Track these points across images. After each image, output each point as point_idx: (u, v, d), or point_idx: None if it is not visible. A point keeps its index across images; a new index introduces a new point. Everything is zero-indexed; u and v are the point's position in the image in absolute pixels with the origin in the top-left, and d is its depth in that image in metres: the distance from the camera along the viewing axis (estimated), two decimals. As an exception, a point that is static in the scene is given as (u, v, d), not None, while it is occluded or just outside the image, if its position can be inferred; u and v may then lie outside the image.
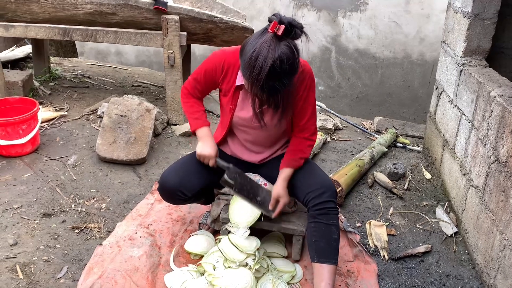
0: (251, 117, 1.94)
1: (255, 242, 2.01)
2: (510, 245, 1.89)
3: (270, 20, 1.64)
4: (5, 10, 3.36)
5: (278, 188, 1.99)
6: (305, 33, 1.67)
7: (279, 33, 1.60)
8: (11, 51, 4.49)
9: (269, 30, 1.61)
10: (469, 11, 2.55)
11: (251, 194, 2.02)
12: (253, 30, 3.41)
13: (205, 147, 2.00)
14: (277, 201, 2.01)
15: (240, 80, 1.88)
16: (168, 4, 3.23)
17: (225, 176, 1.95)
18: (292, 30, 1.62)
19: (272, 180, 2.11)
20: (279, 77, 1.61)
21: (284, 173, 2.00)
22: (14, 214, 2.36)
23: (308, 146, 2.03)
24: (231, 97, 1.96)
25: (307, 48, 1.69)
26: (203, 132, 2.04)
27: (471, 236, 2.33)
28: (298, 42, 1.67)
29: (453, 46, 2.81)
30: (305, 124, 2.00)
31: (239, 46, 1.77)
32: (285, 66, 1.60)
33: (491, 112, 2.15)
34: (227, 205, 2.14)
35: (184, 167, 2.06)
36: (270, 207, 2.02)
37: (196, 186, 2.02)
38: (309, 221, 1.94)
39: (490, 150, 2.15)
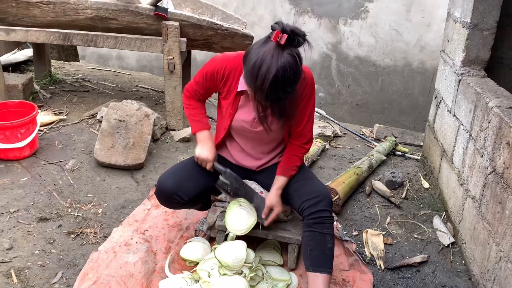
0: (251, 122, 1.95)
1: (252, 254, 2.02)
2: (506, 257, 1.88)
3: (273, 29, 1.65)
4: (6, 14, 3.38)
5: (272, 198, 2.00)
6: (308, 41, 1.67)
7: (282, 42, 1.60)
8: (13, 54, 4.51)
9: (272, 39, 1.62)
10: (468, 21, 2.56)
11: (246, 199, 2.06)
12: (253, 37, 3.41)
13: (203, 150, 2.02)
14: (270, 210, 2.02)
15: (242, 86, 1.88)
16: (168, 10, 3.24)
17: (221, 179, 2.01)
18: (295, 38, 1.62)
19: (269, 188, 2.10)
20: (282, 86, 1.62)
21: (279, 182, 2.01)
22: (10, 218, 2.36)
23: (302, 154, 2.05)
24: (231, 102, 1.96)
25: (309, 55, 1.69)
26: (203, 135, 2.06)
27: (467, 246, 2.33)
28: (300, 49, 1.67)
29: (452, 56, 2.82)
30: (302, 130, 2.01)
31: (241, 52, 1.78)
32: (289, 74, 1.61)
33: (489, 122, 2.15)
34: (223, 212, 2.13)
35: (182, 171, 2.06)
36: (263, 216, 2.03)
37: (193, 190, 2.02)
38: (304, 230, 1.94)
39: (487, 161, 2.15)
